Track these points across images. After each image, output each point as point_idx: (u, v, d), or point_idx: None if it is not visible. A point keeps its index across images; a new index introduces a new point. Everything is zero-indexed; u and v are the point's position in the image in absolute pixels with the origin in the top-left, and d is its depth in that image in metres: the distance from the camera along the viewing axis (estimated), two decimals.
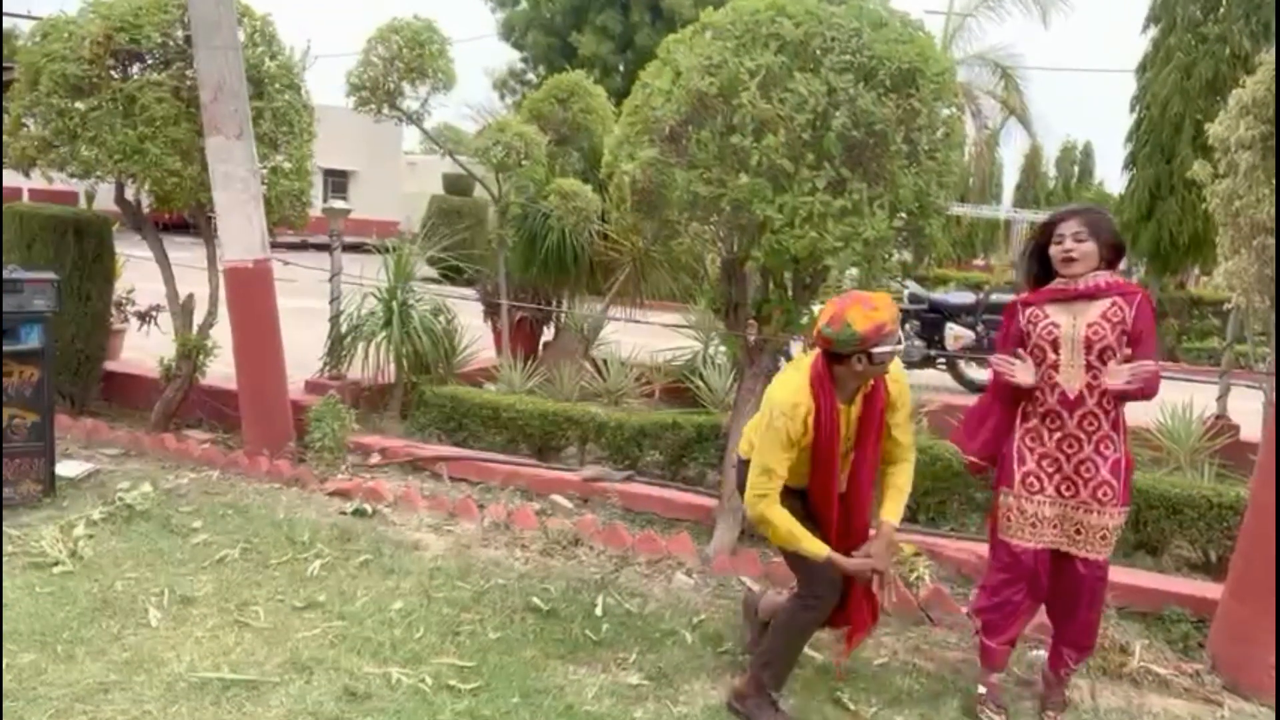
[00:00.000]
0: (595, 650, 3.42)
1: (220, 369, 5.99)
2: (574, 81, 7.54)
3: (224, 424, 5.99)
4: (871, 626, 3.13)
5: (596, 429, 5.53)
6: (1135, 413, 3.22)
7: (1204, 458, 5.37)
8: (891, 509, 3.01)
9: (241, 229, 5.32)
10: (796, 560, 2.99)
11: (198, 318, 5.92)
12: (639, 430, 5.41)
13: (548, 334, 7.87)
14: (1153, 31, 12.42)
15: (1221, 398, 6.17)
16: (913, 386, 7.29)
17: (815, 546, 2.87)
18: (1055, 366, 2.98)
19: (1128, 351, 2.90)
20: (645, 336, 7.23)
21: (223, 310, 5.61)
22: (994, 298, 9.97)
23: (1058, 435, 3.00)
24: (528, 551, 4.31)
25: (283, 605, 3.61)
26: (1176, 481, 4.66)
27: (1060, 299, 3.00)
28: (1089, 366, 2.93)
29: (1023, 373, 3.03)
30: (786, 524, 2.87)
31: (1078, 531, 3.01)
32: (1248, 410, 5.59)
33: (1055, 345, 2.98)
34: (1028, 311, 3.07)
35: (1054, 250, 3.01)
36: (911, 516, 4.44)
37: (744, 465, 3.10)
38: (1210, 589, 3.93)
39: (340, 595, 3.72)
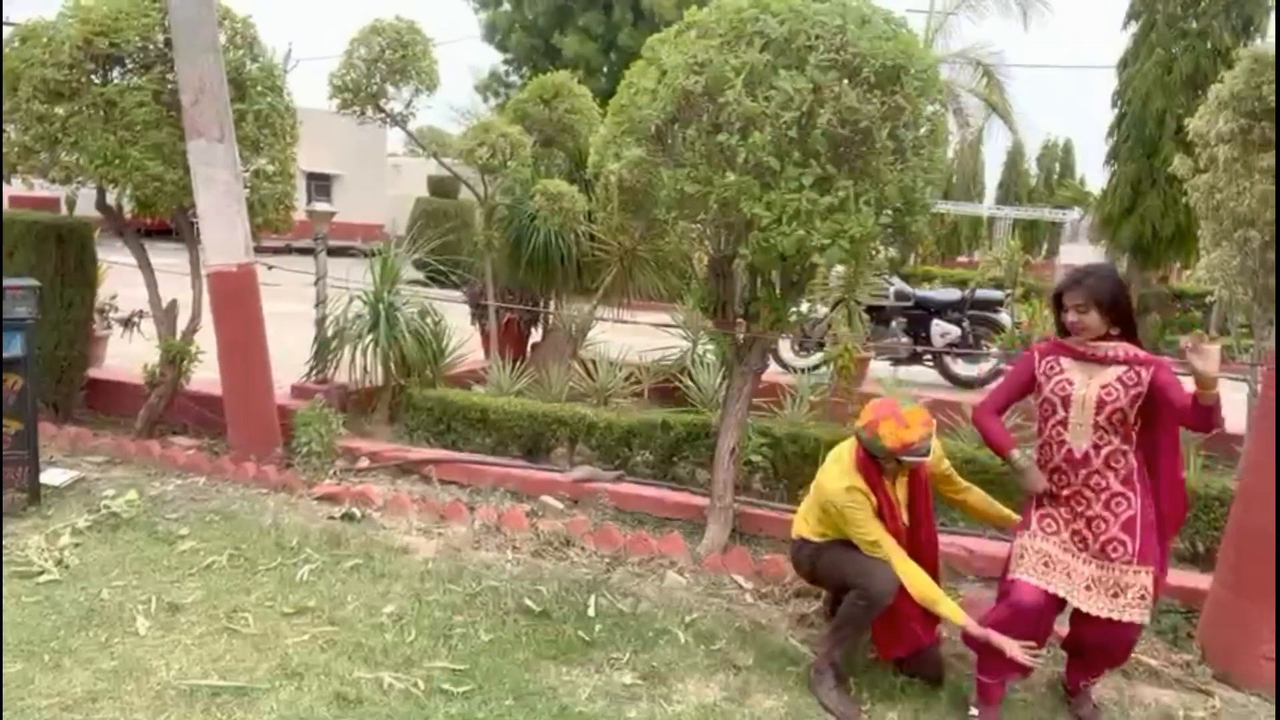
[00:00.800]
0: (588, 651, 3.41)
1: (205, 374, 5.94)
2: (559, 82, 7.51)
3: (210, 430, 5.95)
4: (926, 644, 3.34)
5: (586, 429, 5.52)
6: None
7: (1190, 450, 5.40)
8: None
9: (225, 233, 5.28)
10: (848, 570, 3.21)
11: (181, 323, 5.87)
12: (629, 430, 5.40)
13: (536, 335, 7.85)
14: (1133, 28, 12.52)
15: None
16: (900, 383, 7.31)
17: (952, 612, 3.07)
18: (1064, 424, 3.00)
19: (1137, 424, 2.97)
20: (634, 336, 7.22)
21: (207, 315, 5.57)
22: (979, 294, 10.04)
23: (1066, 492, 3.03)
24: (519, 553, 4.29)
25: (272, 611, 3.58)
26: None
27: (1078, 357, 3.01)
28: (1097, 427, 2.95)
29: (1038, 482, 3.09)
30: (923, 585, 3.10)
31: (1088, 587, 2.97)
32: (1232, 402, 5.61)
33: (1066, 403, 2.99)
34: (1045, 361, 3.08)
35: (1064, 318, 3.04)
36: None
37: (801, 543, 3.43)
38: (1199, 580, 3.95)
39: (330, 600, 3.69)
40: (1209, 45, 11.29)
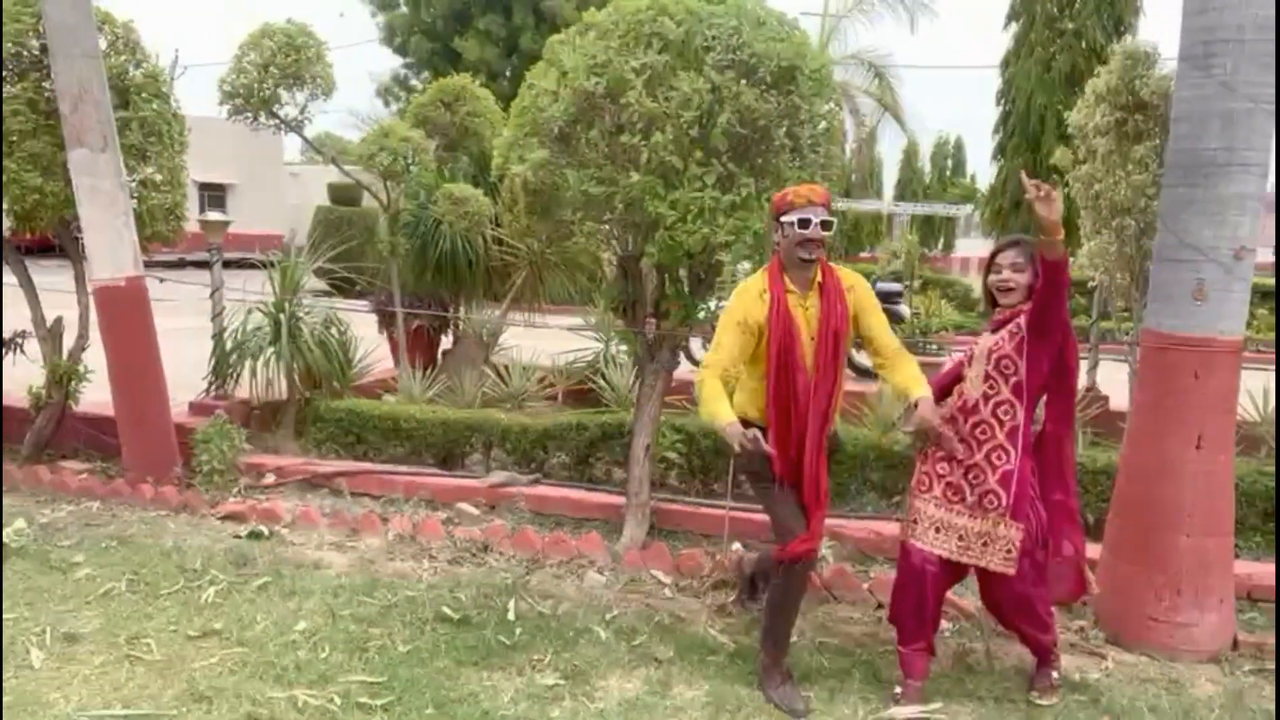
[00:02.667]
0: (509, 654, 3.39)
1: (96, 395, 5.68)
2: (460, 85, 7.44)
3: (103, 452, 5.69)
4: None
5: (501, 435, 5.48)
6: None
7: (1077, 426, 5.69)
8: (917, 387, 3.08)
9: (111, 245, 5.07)
10: (766, 506, 3.23)
11: (68, 342, 5.60)
12: (544, 433, 5.39)
13: (446, 342, 7.75)
14: (1014, 28, 13.13)
15: (1091, 370, 6.57)
16: None
17: (724, 414, 2.98)
18: (964, 377, 3.18)
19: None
20: (546, 340, 7.21)
21: (96, 333, 5.33)
22: (879, 286, 10.33)
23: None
24: (435, 562, 4.24)
25: (176, 635, 3.45)
26: None
27: (995, 325, 3.15)
28: (987, 376, 3.09)
29: (920, 420, 3.07)
30: (711, 393, 3.03)
31: (960, 539, 3.11)
32: (1116, 381, 5.95)
33: (970, 359, 3.18)
34: (980, 334, 3.24)
35: (992, 280, 3.15)
36: None
37: (744, 423, 3.17)
38: (1091, 550, 4.15)
39: (238, 621, 3.58)
40: (1084, 44, 11.93)
